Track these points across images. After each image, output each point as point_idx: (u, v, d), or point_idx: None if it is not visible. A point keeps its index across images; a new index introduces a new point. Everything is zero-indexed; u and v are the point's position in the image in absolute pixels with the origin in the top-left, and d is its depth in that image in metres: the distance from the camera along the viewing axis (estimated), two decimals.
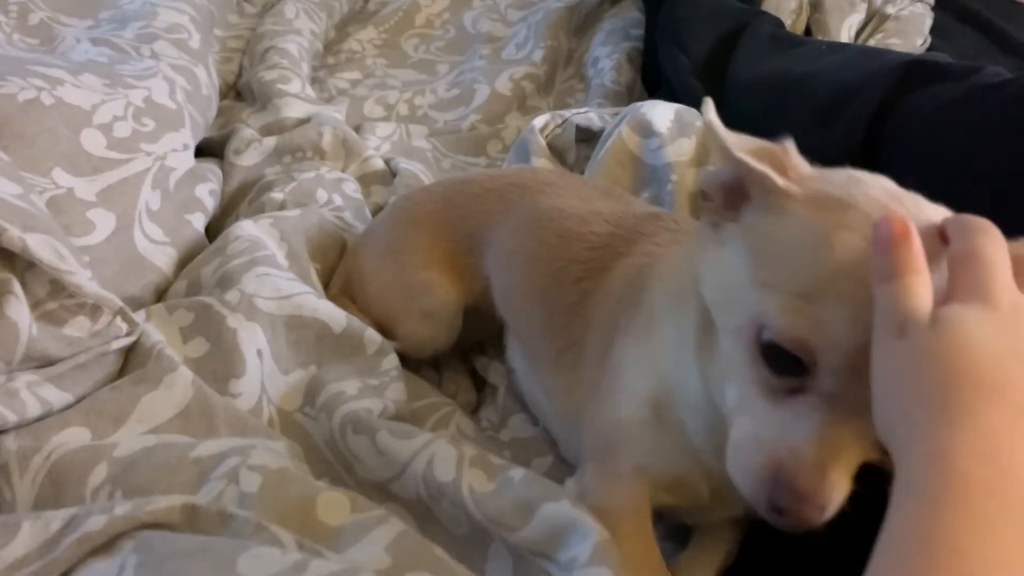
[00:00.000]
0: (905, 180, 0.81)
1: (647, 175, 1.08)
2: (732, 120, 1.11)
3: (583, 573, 0.62)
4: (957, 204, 0.77)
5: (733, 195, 0.59)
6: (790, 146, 0.58)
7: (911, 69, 0.90)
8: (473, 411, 1.00)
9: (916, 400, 0.42)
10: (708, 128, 0.58)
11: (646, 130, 1.09)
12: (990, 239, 0.47)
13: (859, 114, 0.89)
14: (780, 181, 0.55)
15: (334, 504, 0.67)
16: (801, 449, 0.51)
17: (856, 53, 1.19)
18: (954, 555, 0.37)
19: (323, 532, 0.65)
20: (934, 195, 0.77)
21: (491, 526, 0.70)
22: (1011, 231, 0.71)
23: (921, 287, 0.45)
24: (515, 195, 0.94)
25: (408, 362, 0.97)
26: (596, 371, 0.76)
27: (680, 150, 1.06)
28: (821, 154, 0.92)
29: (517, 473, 0.74)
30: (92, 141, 0.99)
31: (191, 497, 0.65)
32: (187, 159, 1.13)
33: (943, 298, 0.45)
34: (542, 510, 0.69)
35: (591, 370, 0.77)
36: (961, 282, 0.45)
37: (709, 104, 0.58)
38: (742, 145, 0.57)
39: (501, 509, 0.70)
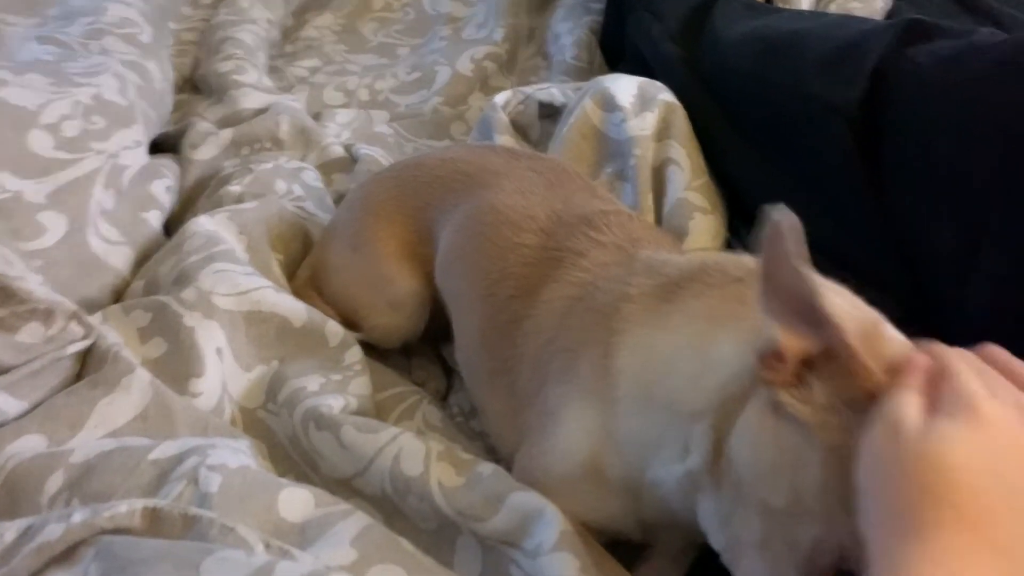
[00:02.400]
0: (908, 131, 0.81)
1: (611, 149, 1.07)
2: (718, 76, 1.11)
3: (549, 558, 0.62)
4: (959, 154, 0.77)
5: (808, 362, 0.52)
6: (879, 320, 0.54)
7: (911, 26, 0.90)
8: (443, 398, 0.99)
9: (891, 509, 0.43)
10: (796, 275, 0.49)
11: (609, 104, 1.08)
12: (964, 358, 0.50)
13: (861, 65, 0.88)
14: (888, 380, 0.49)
15: (297, 500, 0.66)
16: None
17: (842, 16, 1.20)
18: None
19: (286, 529, 0.64)
20: (936, 144, 0.78)
21: (460, 518, 0.69)
22: (1013, 181, 0.71)
23: (919, 405, 0.47)
24: (461, 185, 0.92)
25: (376, 351, 0.97)
26: (528, 410, 0.74)
27: (643, 124, 1.05)
28: (821, 103, 0.92)
29: (486, 468, 0.73)
30: (39, 142, 0.97)
31: (152, 500, 0.63)
32: (140, 156, 1.11)
33: (929, 411, 0.46)
34: (510, 500, 0.68)
35: (524, 407, 0.75)
36: (947, 395, 0.46)
37: (791, 229, 0.48)
38: (848, 318, 0.50)
39: (471, 502, 0.70)
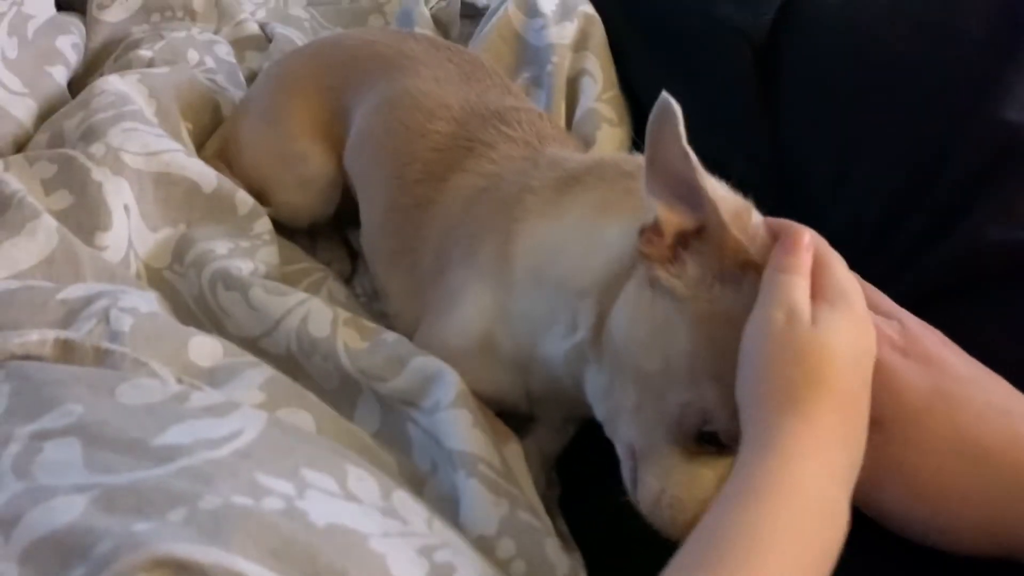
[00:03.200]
0: (805, 60, 0.87)
1: (529, 55, 1.09)
2: None
3: (446, 414, 0.66)
4: (845, 82, 0.82)
5: (683, 240, 0.58)
6: (751, 206, 0.59)
7: None
8: (347, 280, 1.01)
9: (776, 385, 0.50)
10: (681, 156, 0.54)
11: (531, 10, 1.10)
12: (830, 249, 0.56)
13: None
14: (755, 256, 0.55)
15: (206, 347, 0.68)
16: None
17: None
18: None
19: (196, 372, 0.65)
20: (828, 73, 0.84)
21: (362, 378, 0.73)
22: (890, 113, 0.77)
23: (807, 290, 0.53)
24: (378, 68, 0.93)
25: (283, 230, 0.97)
26: (429, 290, 0.78)
27: (563, 33, 1.08)
28: (730, 27, 0.96)
29: (390, 335, 0.76)
30: None
31: (64, 332, 0.63)
32: (47, 7, 1.07)
33: (814, 297, 0.53)
34: (412, 363, 0.72)
35: (426, 288, 0.79)
36: (824, 286, 0.53)
37: (678, 121, 0.54)
38: (722, 197, 0.56)
39: (374, 363, 0.73)
